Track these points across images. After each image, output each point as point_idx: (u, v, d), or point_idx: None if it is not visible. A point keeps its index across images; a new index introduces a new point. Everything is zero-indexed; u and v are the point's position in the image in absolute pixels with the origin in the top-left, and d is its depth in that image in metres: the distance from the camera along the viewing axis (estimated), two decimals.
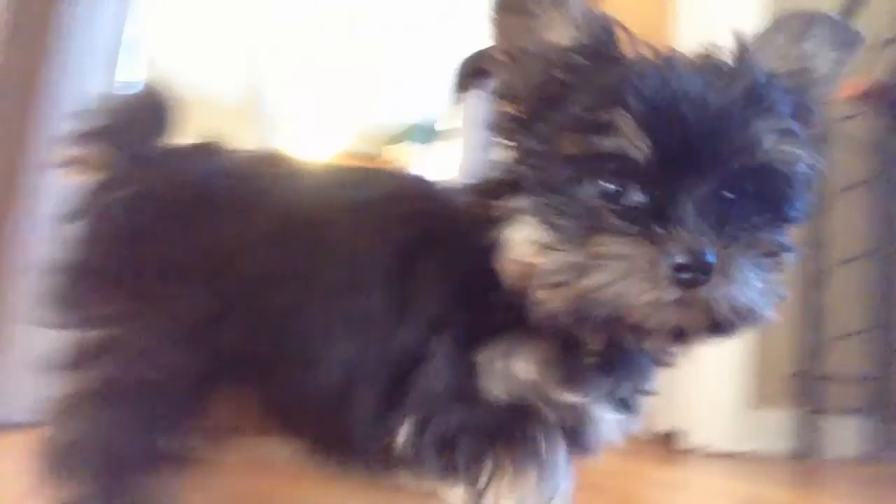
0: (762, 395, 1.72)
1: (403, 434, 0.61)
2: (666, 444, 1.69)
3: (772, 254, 0.55)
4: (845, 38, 0.61)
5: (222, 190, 0.67)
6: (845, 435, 1.67)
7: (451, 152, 3.03)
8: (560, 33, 0.59)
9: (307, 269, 0.64)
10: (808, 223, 1.15)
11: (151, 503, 0.62)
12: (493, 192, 0.59)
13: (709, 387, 1.69)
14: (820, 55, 0.60)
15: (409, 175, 0.74)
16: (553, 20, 0.59)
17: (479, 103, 2.01)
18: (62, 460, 0.61)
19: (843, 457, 1.65)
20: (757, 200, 0.56)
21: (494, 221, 0.58)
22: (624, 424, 0.64)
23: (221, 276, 0.63)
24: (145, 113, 0.72)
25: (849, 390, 1.68)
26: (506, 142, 0.59)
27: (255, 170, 0.70)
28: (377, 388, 0.62)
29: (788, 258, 0.57)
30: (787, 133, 0.54)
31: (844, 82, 1.46)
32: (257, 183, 0.68)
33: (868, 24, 1.53)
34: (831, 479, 1.45)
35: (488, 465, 0.61)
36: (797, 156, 0.55)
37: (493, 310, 0.60)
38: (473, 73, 2.02)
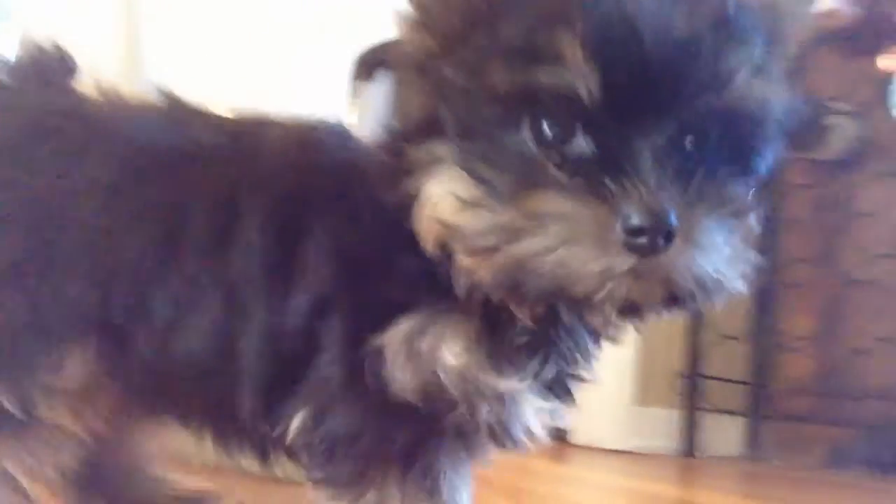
0: (647, 394, 1.80)
1: (295, 425, 0.53)
2: (556, 440, 1.75)
3: (741, 213, 0.47)
4: None
5: (58, 129, 0.60)
6: (725, 434, 1.78)
7: None
8: None
9: (161, 221, 0.57)
10: None
11: None
12: (407, 136, 0.49)
13: (596, 385, 1.73)
14: None
15: (306, 123, 0.61)
16: None
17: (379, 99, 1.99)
18: None
19: (723, 455, 1.76)
20: (723, 148, 0.47)
21: (408, 172, 0.48)
22: (554, 415, 0.55)
23: (49, 222, 0.57)
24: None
25: (728, 391, 1.79)
26: (420, 76, 0.48)
27: (103, 109, 0.62)
28: (262, 367, 0.54)
29: (754, 218, 0.49)
30: (760, 68, 0.46)
31: None
32: (104, 124, 0.61)
33: None
34: (712, 476, 1.53)
35: (374, 486, 0.53)
36: (771, 96, 0.47)
37: (402, 280, 0.51)
38: (375, 64, 1.97)
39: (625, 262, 0.42)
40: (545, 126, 0.44)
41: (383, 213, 0.50)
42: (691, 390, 1.77)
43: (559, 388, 0.55)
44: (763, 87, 0.46)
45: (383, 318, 0.50)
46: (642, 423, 1.79)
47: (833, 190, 1.86)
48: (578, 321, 0.52)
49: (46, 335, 0.57)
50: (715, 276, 0.45)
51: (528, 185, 0.44)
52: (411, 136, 0.48)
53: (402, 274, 0.51)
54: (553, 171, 0.44)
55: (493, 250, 0.44)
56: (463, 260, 0.47)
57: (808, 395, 1.79)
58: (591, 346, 0.55)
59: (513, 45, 0.44)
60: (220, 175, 0.56)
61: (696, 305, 0.47)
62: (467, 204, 0.45)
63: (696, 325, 1.77)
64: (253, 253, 0.54)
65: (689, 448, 1.73)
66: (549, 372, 0.53)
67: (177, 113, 0.61)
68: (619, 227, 0.42)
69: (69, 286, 0.56)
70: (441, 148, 0.47)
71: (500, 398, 0.51)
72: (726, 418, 1.78)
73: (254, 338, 0.54)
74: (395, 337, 0.50)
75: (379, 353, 0.50)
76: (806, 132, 1.81)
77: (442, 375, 0.50)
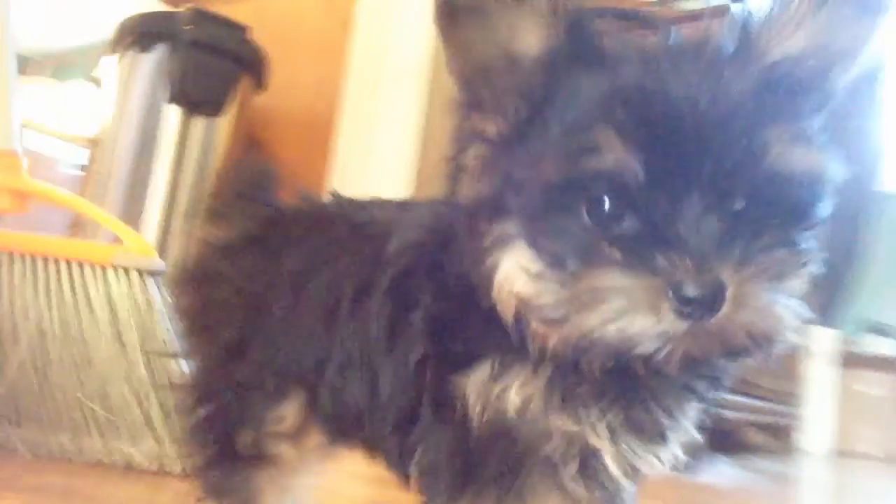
0: None
1: (415, 459, 0.58)
2: None
3: (789, 271, 0.47)
4: (870, 1, 0.50)
5: (261, 237, 0.72)
6: None
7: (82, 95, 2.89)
8: (528, 38, 0.50)
9: (326, 299, 0.64)
10: None
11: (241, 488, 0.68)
12: (481, 214, 0.52)
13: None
14: (841, 26, 0.50)
15: (420, 203, 0.69)
16: (517, 22, 0.50)
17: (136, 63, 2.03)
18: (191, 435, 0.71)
19: None
20: (771, 208, 0.47)
21: (487, 249, 0.51)
22: (635, 457, 0.54)
23: (253, 310, 0.68)
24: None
25: None
26: (483, 165, 0.52)
27: (299, 220, 0.73)
28: (392, 412, 0.60)
29: (811, 268, 0.49)
30: (800, 135, 0.47)
31: None
32: (294, 227, 0.71)
33: None
34: None
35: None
36: (813, 160, 0.47)
37: (479, 336, 0.54)
38: (134, 37, 2.00)
39: (679, 327, 0.44)
40: (597, 209, 0.46)
41: (469, 285, 0.52)
42: None
43: (645, 429, 0.54)
44: (806, 152, 0.47)
45: (465, 367, 0.54)
46: None
47: None
48: (648, 373, 0.51)
49: (268, 396, 0.67)
50: (766, 332, 0.46)
51: (587, 261, 0.46)
52: (485, 214, 0.51)
53: (480, 331, 0.54)
54: (608, 248, 0.46)
55: (561, 321, 0.47)
56: (536, 327, 0.49)
57: None
58: (676, 394, 0.54)
59: (562, 140, 0.47)
60: (366, 257, 0.63)
61: (756, 356, 0.48)
62: (536, 278, 0.48)
63: None
64: (381, 320, 0.60)
65: None
66: (615, 416, 0.53)
67: (342, 209, 0.71)
68: (672, 297, 0.44)
69: (279, 357, 0.66)
70: (511, 226, 0.50)
71: (563, 437, 0.53)
72: None
73: (386, 389, 0.60)
74: (473, 382, 0.53)
75: (462, 396, 0.53)
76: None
77: (510, 415, 0.52)
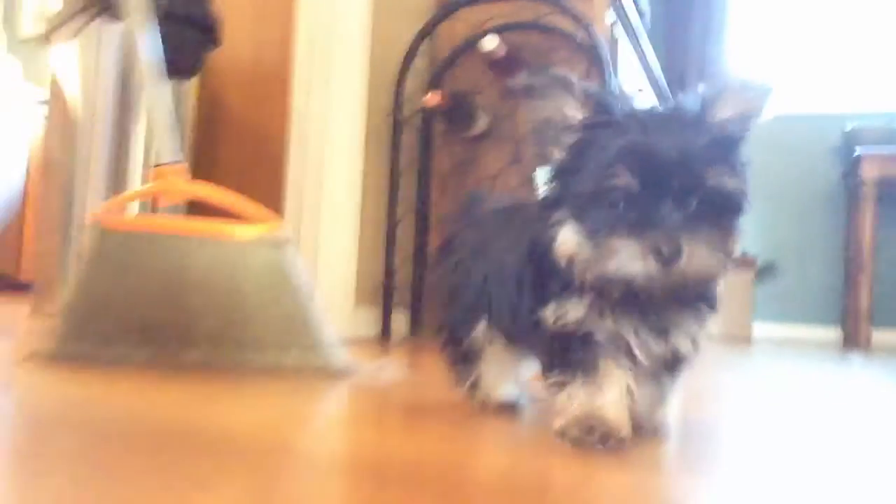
0: (361, 297, 2.45)
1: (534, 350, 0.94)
2: None
3: (722, 239, 0.77)
4: (762, 92, 0.82)
5: (480, 223, 1.05)
6: (401, 323, 2.52)
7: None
8: (572, 110, 0.82)
9: (491, 257, 0.98)
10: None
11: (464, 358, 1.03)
12: (550, 206, 0.82)
13: (326, 290, 2.29)
14: (747, 101, 0.82)
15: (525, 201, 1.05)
16: (565, 100, 0.82)
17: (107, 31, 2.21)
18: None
19: (401, 336, 2.48)
20: (712, 208, 0.77)
21: (554, 224, 0.81)
22: (650, 345, 0.84)
23: (466, 263, 1.02)
24: None
25: (403, 294, 2.52)
26: (554, 181, 0.84)
27: (493, 212, 1.07)
28: (521, 327, 0.92)
29: (735, 240, 0.79)
30: (727, 171, 0.78)
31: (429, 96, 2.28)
32: (490, 217, 1.05)
33: None
34: (399, 349, 2.22)
35: (555, 372, 0.85)
36: (734, 185, 0.77)
37: (553, 278, 0.84)
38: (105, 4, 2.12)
39: (656, 269, 0.74)
40: (614, 206, 0.76)
41: (547, 251, 0.83)
42: (387, 295, 2.47)
43: (654, 330, 0.84)
44: (730, 181, 0.77)
45: (545, 303, 0.85)
46: (358, 318, 2.43)
47: (470, 157, 2.56)
48: (646, 298, 0.79)
49: (470, 321, 1.01)
50: (706, 272, 0.77)
51: (607, 233, 0.76)
52: (553, 207, 0.82)
53: (552, 281, 0.85)
54: (619, 226, 0.75)
55: (592, 266, 0.78)
56: (580, 270, 0.80)
57: None
58: (669, 310, 0.83)
59: (596, 170, 0.78)
60: (508, 239, 0.97)
61: (704, 287, 0.82)
62: (579, 242, 0.79)
63: (390, 252, 2.47)
64: (512, 277, 0.94)
65: (386, 332, 2.44)
66: (634, 320, 0.82)
67: (498, 209, 1.07)
68: (652, 253, 0.73)
69: (481, 293, 0.99)
70: (565, 214, 0.81)
71: (605, 332, 0.83)
72: (402, 312, 2.52)
73: (518, 313, 0.92)
74: (549, 309, 0.85)
75: (544, 318, 0.85)
76: (459, 119, 2.61)
77: (570, 324, 0.83)
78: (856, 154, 3.99)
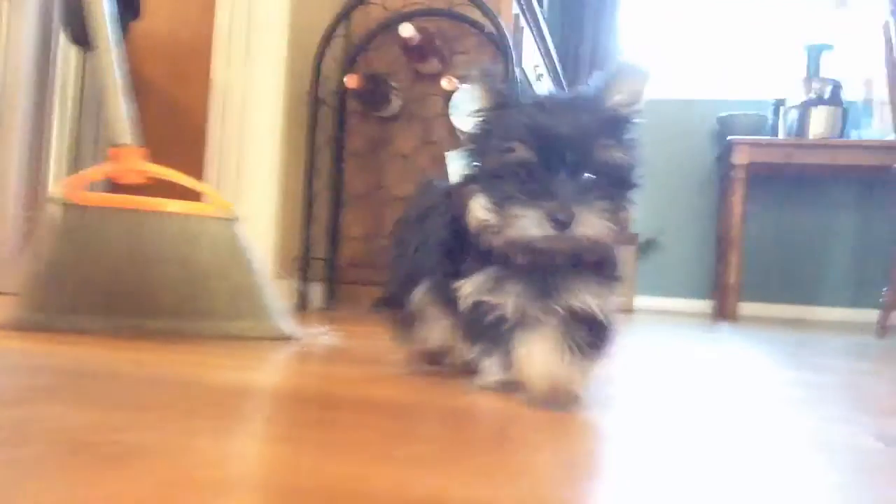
0: (276, 270, 2.50)
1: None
2: None
3: (611, 208, 0.84)
4: (642, 76, 0.90)
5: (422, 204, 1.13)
6: (318, 294, 2.65)
7: None
8: (482, 99, 0.91)
9: (424, 230, 1.07)
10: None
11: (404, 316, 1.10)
12: (465, 183, 0.91)
13: None
14: (633, 85, 0.89)
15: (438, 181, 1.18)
16: (478, 93, 0.91)
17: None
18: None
19: (317, 307, 2.61)
20: (603, 179, 0.85)
21: (465, 197, 0.90)
22: (555, 309, 0.90)
23: (407, 237, 1.12)
24: None
25: (319, 267, 2.65)
26: (468, 161, 0.92)
27: (434, 193, 1.13)
28: (449, 299, 0.98)
29: (626, 210, 0.87)
30: (616, 146, 0.86)
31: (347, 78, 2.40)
32: (430, 198, 1.12)
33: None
34: (313, 319, 2.34)
35: (475, 345, 0.96)
36: (621, 158, 0.86)
37: (467, 248, 0.93)
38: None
39: (552, 234, 0.82)
40: (515, 178, 0.84)
41: (460, 222, 0.92)
42: (304, 268, 2.57)
43: (538, 297, 0.91)
44: (617, 154, 0.86)
45: (461, 270, 0.94)
46: (279, 290, 2.55)
47: (383, 136, 2.71)
48: (548, 264, 0.89)
49: (414, 281, 1.07)
50: (595, 236, 0.83)
51: (510, 202, 0.84)
52: (467, 183, 0.91)
53: (466, 248, 0.93)
54: (520, 195, 0.83)
55: (498, 231, 0.86)
56: (487, 237, 0.88)
57: (359, 268, 2.68)
58: (567, 280, 0.91)
59: (496, 147, 0.86)
60: (442, 206, 1.05)
61: (595, 250, 0.88)
62: (487, 211, 0.87)
63: (306, 226, 2.57)
64: (438, 239, 1.02)
65: (304, 304, 2.54)
66: (533, 290, 0.90)
67: (427, 189, 1.17)
68: (548, 219, 0.81)
69: (416, 263, 1.07)
70: (476, 188, 0.89)
71: (513, 305, 0.90)
72: (318, 285, 2.66)
73: (446, 278, 0.99)
74: (459, 285, 0.94)
75: (458, 292, 0.94)
76: (374, 100, 2.73)
77: (469, 299, 0.93)
78: (728, 139, 4.35)
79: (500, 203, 0.86)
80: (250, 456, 0.61)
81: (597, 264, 0.92)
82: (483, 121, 0.91)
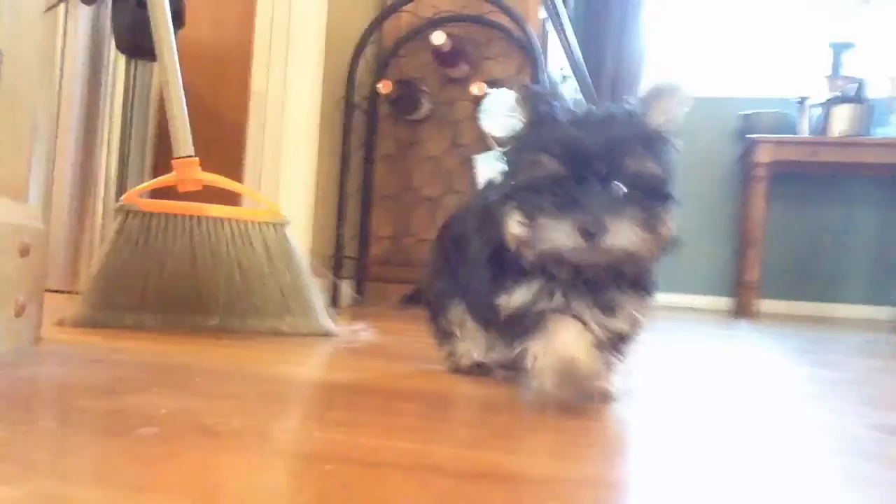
0: (315, 269, 2.63)
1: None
2: None
3: (646, 220, 0.83)
4: (681, 96, 0.90)
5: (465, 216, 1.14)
6: (349, 291, 2.75)
7: None
8: (521, 117, 0.91)
9: (464, 248, 1.09)
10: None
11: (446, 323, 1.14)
12: (500, 200, 0.90)
13: None
14: (669, 105, 0.89)
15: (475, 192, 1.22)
16: (518, 111, 0.91)
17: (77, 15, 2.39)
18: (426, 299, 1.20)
19: (349, 304, 2.69)
20: (636, 191, 0.83)
21: (502, 214, 0.89)
22: (594, 323, 0.91)
23: (447, 251, 1.15)
24: None
25: (350, 266, 2.78)
26: (504, 178, 0.93)
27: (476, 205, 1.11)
28: (485, 305, 0.99)
29: (663, 224, 0.85)
30: (649, 159, 0.85)
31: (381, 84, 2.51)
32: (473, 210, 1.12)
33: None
34: (347, 314, 2.41)
35: (516, 343, 0.92)
36: (654, 170, 0.85)
37: (505, 261, 0.93)
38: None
39: (584, 245, 0.81)
40: (548, 192, 0.84)
41: (499, 239, 0.91)
42: (337, 265, 2.69)
43: (599, 307, 0.91)
44: (647, 165, 0.85)
45: (500, 290, 0.94)
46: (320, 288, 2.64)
47: (413, 139, 2.81)
48: (583, 277, 0.89)
49: (451, 296, 1.13)
50: (630, 249, 0.82)
51: (541, 215, 0.84)
52: (502, 198, 0.90)
53: (508, 266, 0.93)
54: (550, 208, 0.83)
55: (532, 246, 0.86)
56: (523, 251, 0.88)
57: (387, 266, 2.79)
58: (605, 292, 0.91)
59: (528, 161, 0.87)
60: (471, 231, 1.08)
61: (630, 265, 0.87)
62: (521, 226, 0.86)
63: (339, 227, 2.67)
64: (479, 259, 1.02)
65: (335, 301, 2.62)
66: (574, 302, 0.90)
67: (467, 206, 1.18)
68: (580, 231, 0.81)
69: (454, 280, 1.12)
70: (511, 204, 0.88)
71: (554, 306, 0.91)
72: (348, 282, 2.76)
73: (486, 302, 0.99)
74: (503, 297, 0.94)
75: (499, 303, 0.94)
76: (405, 104, 2.84)
77: (519, 305, 0.92)
78: (750, 138, 4.40)
79: (533, 217, 0.85)
80: (321, 438, 0.71)
81: (634, 278, 0.92)
82: (517, 137, 0.92)
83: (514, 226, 0.88)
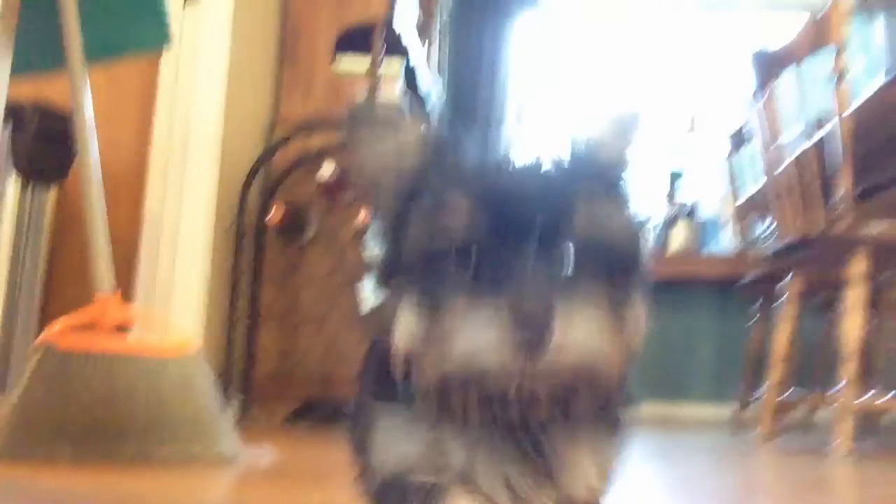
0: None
1: None
2: None
3: (613, 307, 0.53)
4: (633, 125, 0.62)
5: None
6: (234, 409, 2.87)
7: None
8: (409, 155, 0.59)
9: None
10: None
11: None
12: (384, 281, 0.58)
13: None
14: (618, 142, 0.61)
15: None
16: (403, 144, 0.59)
17: None
18: None
19: (234, 421, 2.81)
20: (593, 261, 0.53)
21: (390, 310, 0.55)
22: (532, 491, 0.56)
23: None
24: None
25: (237, 382, 2.90)
26: (379, 245, 0.59)
27: None
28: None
29: (634, 309, 0.56)
30: (608, 210, 0.56)
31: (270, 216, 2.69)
32: None
33: None
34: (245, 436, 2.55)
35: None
36: (619, 224, 0.57)
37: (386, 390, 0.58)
38: None
39: (518, 353, 0.48)
40: (455, 261, 0.52)
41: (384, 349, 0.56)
42: (225, 386, 2.68)
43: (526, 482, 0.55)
44: (607, 217, 0.55)
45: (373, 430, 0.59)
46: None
47: (299, 261, 2.98)
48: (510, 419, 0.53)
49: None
50: (593, 355, 0.51)
51: (446, 304, 0.51)
52: (384, 280, 0.57)
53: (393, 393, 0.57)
54: (460, 291, 0.51)
55: (431, 362, 0.52)
56: (418, 373, 0.53)
57: (274, 383, 2.89)
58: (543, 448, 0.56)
59: (429, 213, 0.55)
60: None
61: (593, 388, 0.53)
62: (414, 326, 0.53)
63: (229, 348, 2.78)
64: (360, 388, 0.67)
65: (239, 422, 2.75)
66: (492, 465, 0.55)
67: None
68: (513, 328, 0.48)
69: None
70: (399, 289, 0.56)
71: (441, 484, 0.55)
72: (236, 399, 2.81)
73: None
74: (376, 437, 0.59)
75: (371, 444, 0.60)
76: (292, 231, 3.02)
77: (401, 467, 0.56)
78: None
79: (432, 307, 0.53)
80: None
81: (597, 406, 0.58)
82: (405, 179, 0.59)
83: (406, 327, 0.55)
